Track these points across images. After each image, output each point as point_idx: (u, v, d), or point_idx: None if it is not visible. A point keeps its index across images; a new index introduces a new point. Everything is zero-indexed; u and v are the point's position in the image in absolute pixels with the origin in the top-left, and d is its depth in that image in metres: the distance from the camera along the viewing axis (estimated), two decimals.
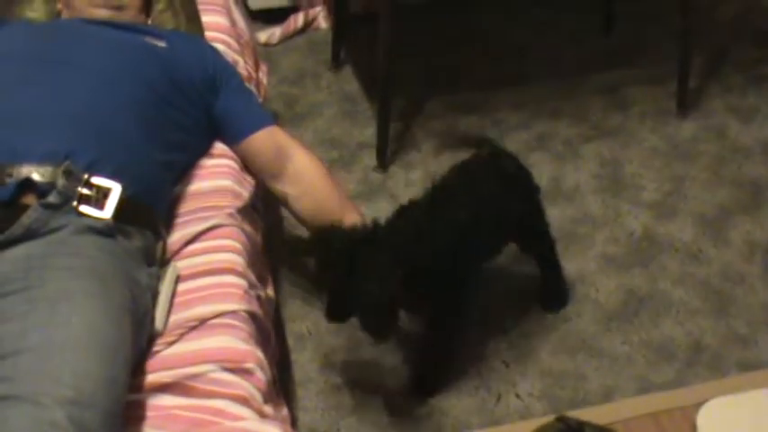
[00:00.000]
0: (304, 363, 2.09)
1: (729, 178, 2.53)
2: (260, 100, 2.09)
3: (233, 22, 2.26)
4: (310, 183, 1.97)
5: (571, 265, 2.28)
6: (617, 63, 2.91)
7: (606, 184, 2.51)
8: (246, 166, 1.94)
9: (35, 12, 2.03)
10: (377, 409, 2.00)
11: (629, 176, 2.53)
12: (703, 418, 1.89)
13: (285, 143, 1.96)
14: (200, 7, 2.18)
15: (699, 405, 1.92)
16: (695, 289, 2.23)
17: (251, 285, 1.69)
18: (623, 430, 1.88)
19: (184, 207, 1.79)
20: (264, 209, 2.05)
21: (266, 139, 1.93)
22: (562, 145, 2.63)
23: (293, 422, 1.77)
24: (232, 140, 1.92)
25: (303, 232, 2.33)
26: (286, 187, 1.96)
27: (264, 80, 2.29)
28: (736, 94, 2.80)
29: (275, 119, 2.08)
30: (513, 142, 2.63)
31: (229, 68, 1.97)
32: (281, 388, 1.74)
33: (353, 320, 1.80)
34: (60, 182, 1.50)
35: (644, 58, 2.92)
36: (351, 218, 1.93)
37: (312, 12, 3.09)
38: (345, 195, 2.03)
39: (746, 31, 3.03)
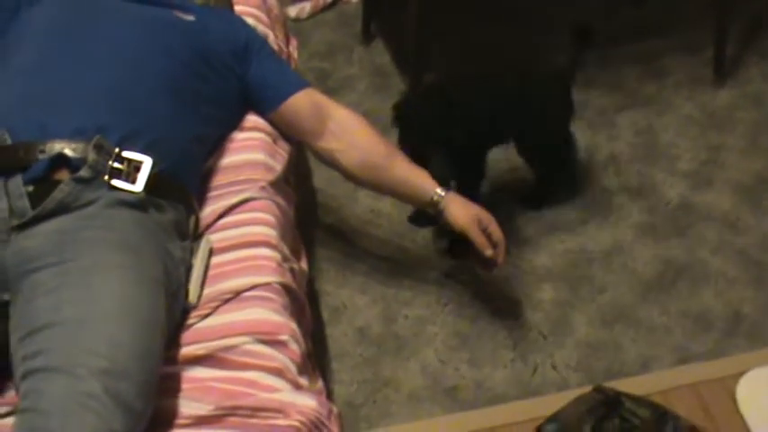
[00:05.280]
0: (339, 336, 2.09)
1: (767, 146, 2.48)
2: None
3: None
4: (354, 135, 1.94)
5: (607, 234, 2.27)
6: (652, 31, 2.86)
7: (641, 153, 2.48)
8: (286, 131, 1.93)
9: None
10: (412, 382, 2.00)
11: (664, 145, 2.50)
12: (743, 388, 1.86)
13: (323, 102, 1.94)
14: None
15: (738, 375, 1.90)
16: (733, 258, 2.21)
17: (284, 258, 1.69)
18: (661, 401, 1.85)
19: (217, 181, 1.78)
20: (297, 182, 2.04)
21: (305, 100, 1.91)
22: (597, 114, 2.60)
23: (328, 395, 1.77)
24: (270, 106, 1.90)
25: (336, 206, 2.34)
26: (331, 143, 1.93)
27: (295, 54, 2.27)
28: None
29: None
30: None
31: (260, 38, 1.95)
32: (316, 361, 1.74)
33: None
34: (91, 156, 1.50)
35: (679, 25, 2.87)
36: (400, 165, 1.92)
37: None
38: (391, 144, 2.00)
39: None
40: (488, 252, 1.89)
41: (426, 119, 2.06)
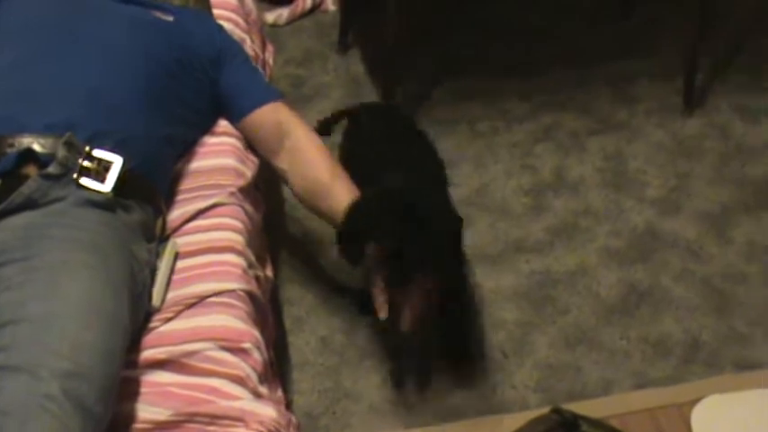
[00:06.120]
0: (301, 345, 2.09)
1: (733, 177, 2.51)
2: (266, 80, 2.07)
3: (241, 1, 2.24)
4: (304, 160, 1.90)
5: (572, 257, 2.28)
6: (628, 55, 2.88)
7: (610, 178, 2.50)
8: (248, 142, 1.92)
9: None
10: (372, 394, 2.00)
11: (632, 171, 2.52)
12: (698, 414, 1.89)
13: (286, 119, 1.91)
14: None
15: (694, 402, 1.92)
16: (696, 286, 2.22)
17: (250, 265, 1.68)
18: (619, 424, 1.86)
19: (186, 184, 1.77)
20: (266, 189, 2.03)
21: (267, 115, 1.90)
22: (568, 137, 2.61)
23: (288, 404, 1.76)
24: (235, 116, 1.89)
25: (303, 215, 2.33)
26: (281, 162, 1.91)
27: (271, 61, 2.27)
28: (742, 93, 2.78)
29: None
30: (519, 132, 2.61)
31: (235, 45, 1.95)
32: (278, 370, 1.74)
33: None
34: (61, 153, 1.49)
35: (656, 50, 2.90)
36: (340, 196, 1.81)
37: None
38: (342, 176, 1.90)
39: (757, 30, 3.02)
40: (380, 317, 1.80)
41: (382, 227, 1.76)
